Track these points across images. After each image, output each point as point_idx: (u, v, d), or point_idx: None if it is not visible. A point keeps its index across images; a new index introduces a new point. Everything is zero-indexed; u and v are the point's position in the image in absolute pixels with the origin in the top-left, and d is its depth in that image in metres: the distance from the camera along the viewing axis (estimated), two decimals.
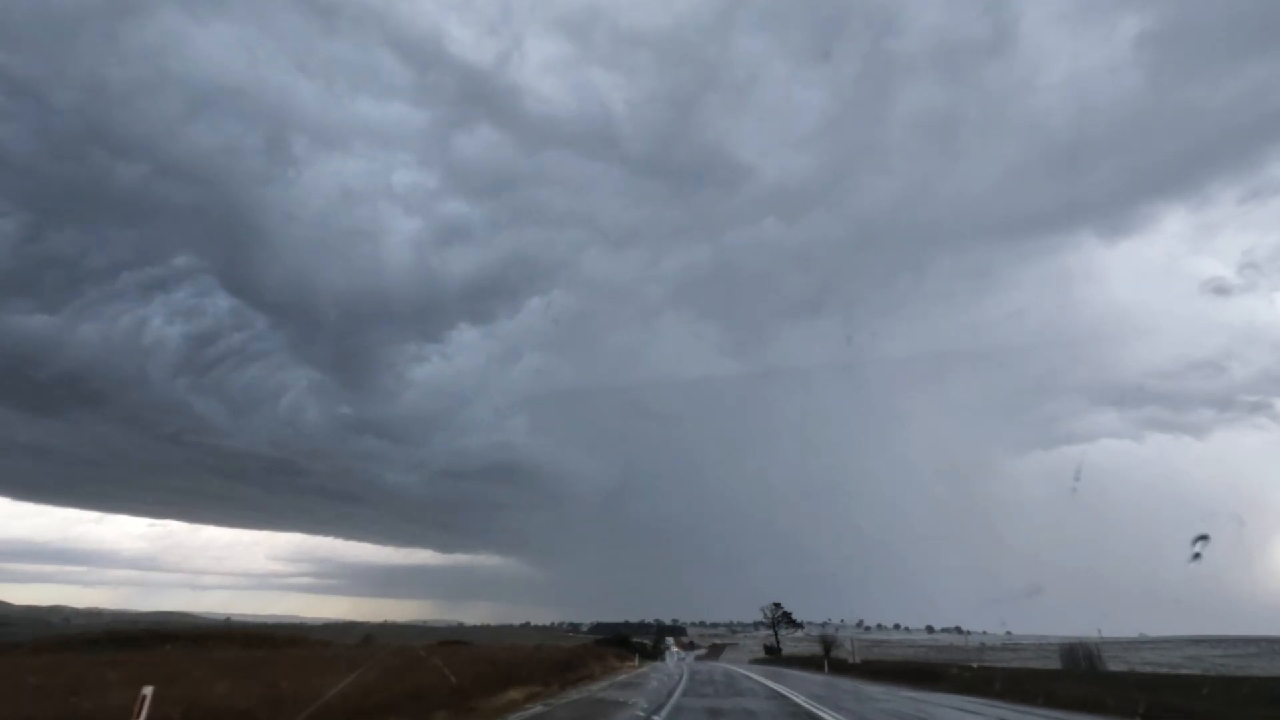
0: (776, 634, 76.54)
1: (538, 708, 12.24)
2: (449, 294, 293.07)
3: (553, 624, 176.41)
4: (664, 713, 12.20)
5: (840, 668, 35.58)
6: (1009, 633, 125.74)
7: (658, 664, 48.58)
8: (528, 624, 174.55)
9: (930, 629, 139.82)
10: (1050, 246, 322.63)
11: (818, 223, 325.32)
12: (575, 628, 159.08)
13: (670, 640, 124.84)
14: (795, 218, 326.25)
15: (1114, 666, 25.61)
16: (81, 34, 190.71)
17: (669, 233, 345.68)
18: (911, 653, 58.58)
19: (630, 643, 77.17)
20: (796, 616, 79.66)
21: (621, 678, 24.79)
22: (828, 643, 50.73)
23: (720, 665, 46.87)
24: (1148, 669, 32.85)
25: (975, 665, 29.01)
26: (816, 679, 26.22)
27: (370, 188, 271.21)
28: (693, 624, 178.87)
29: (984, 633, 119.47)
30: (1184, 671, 31.51)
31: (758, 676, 27.12)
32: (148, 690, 6.11)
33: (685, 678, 24.82)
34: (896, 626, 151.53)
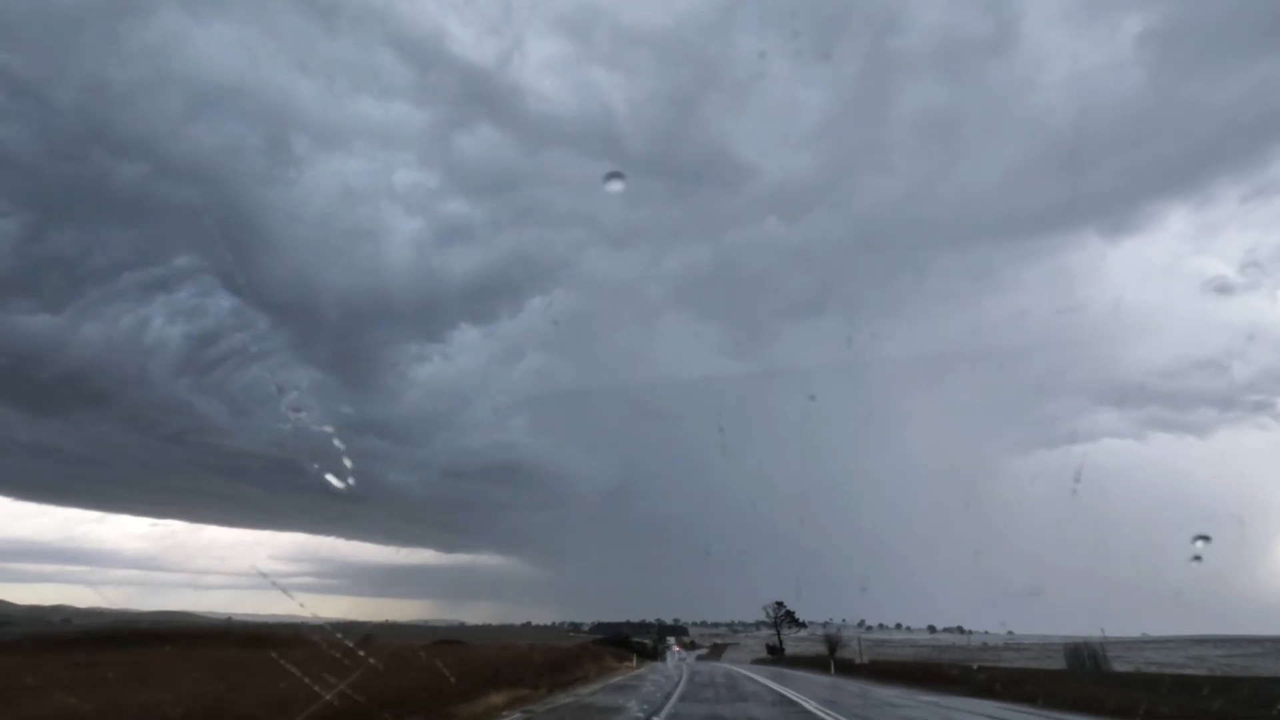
0: (779, 633, 75.99)
1: (517, 715, 11.59)
2: (450, 294, 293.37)
3: (554, 624, 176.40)
4: None
5: (847, 668, 34.45)
6: (1011, 632, 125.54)
7: (657, 664, 47.61)
8: (529, 624, 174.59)
9: (932, 629, 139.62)
10: (1052, 246, 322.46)
11: (819, 222, 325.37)
12: (576, 627, 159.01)
13: (671, 640, 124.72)
14: (796, 217, 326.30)
15: (1119, 667, 25.42)
16: (82, 34, 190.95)
17: (670, 232, 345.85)
18: (914, 652, 58.37)
19: (630, 642, 76.73)
20: (798, 616, 78.45)
21: (616, 680, 23.57)
22: (833, 642, 49.63)
23: (722, 666, 46.20)
24: (1152, 669, 32.62)
25: (990, 666, 28.14)
26: (823, 681, 25.15)
27: (371, 187, 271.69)
28: (694, 624, 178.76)
29: (986, 632, 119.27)
30: (1189, 671, 31.27)
31: (761, 678, 25.73)
32: None
33: (684, 680, 23.48)
34: (898, 626, 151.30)
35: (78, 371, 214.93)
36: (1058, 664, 29.85)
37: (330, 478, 6.38)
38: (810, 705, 13.91)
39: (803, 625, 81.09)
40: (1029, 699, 15.35)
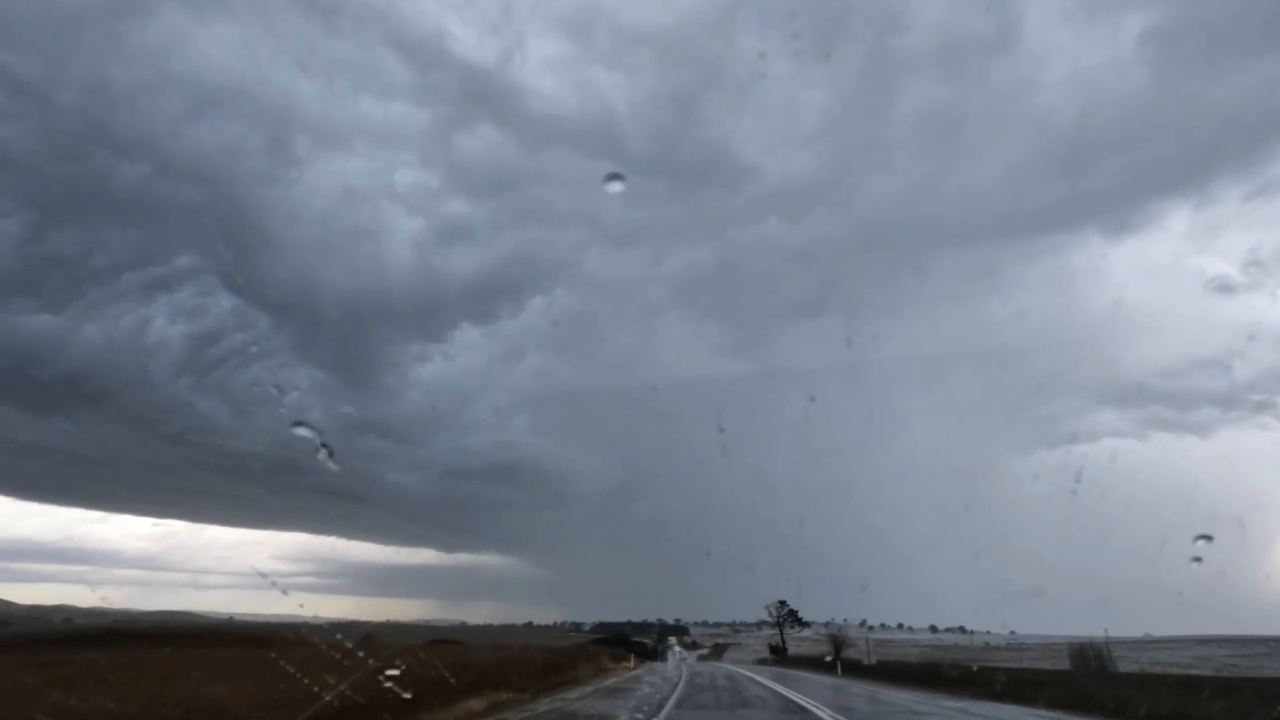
0: (782, 633, 75.31)
1: None
2: (451, 294, 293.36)
3: (555, 623, 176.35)
4: None
5: (854, 669, 33.08)
6: (1013, 632, 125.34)
7: (656, 665, 46.97)
8: (530, 624, 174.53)
9: (934, 628, 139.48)
10: (1054, 245, 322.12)
11: (820, 222, 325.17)
12: (578, 627, 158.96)
13: (673, 640, 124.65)
14: (797, 217, 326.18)
15: (1124, 667, 25.20)
16: (84, 34, 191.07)
17: (671, 232, 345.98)
18: (918, 653, 58.14)
19: (629, 642, 76.29)
20: (801, 615, 77.40)
21: (610, 681, 22.39)
22: (838, 642, 48.57)
23: (723, 666, 44.86)
24: (1158, 669, 32.40)
25: (1007, 668, 27.00)
26: (831, 683, 23.81)
27: (372, 187, 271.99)
28: (695, 623, 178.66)
29: (988, 632, 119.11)
30: (1196, 671, 31.04)
31: (765, 680, 24.20)
32: None
33: (683, 682, 22.07)
34: (900, 626, 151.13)
35: (79, 371, 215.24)
36: (1062, 664, 29.65)
37: (324, 457, 6.34)
38: (825, 714, 12.53)
39: (806, 625, 79.86)
40: (1060, 704, 14.34)
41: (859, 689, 20.43)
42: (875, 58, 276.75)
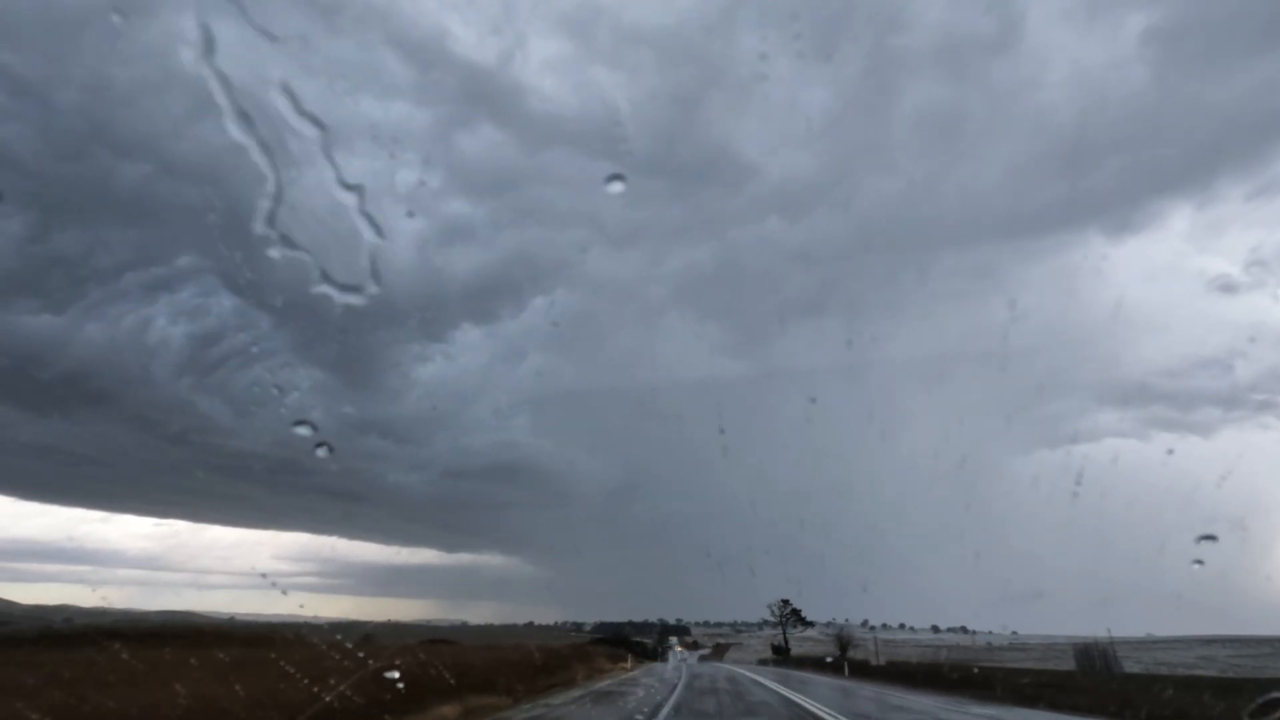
0: (785, 633, 74.69)
1: None
2: (452, 293, 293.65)
3: (556, 623, 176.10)
4: None
5: (862, 670, 31.56)
6: (1015, 633, 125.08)
7: (655, 665, 45.58)
8: (531, 623, 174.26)
9: (936, 628, 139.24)
10: (1056, 245, 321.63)
11: (821, 222, 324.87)
12: (579, 627, 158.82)
13: (674, 640, 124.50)
14: (798, 217, 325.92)
15: (1129, 668, 25.01)
16: (85, 34, 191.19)
17: (671, 232, 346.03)
18: (921, 652, 57.94)
19: (628, 642, 75.73)
20: (804, 615, 75.87)
21: (602, 684, 21.02)
22: (844, 642, 47.96)
23: (724, 667, 43.31)
24: (1163, 670, 32.20)
25: (1029, 669, 25.61)
26: (840, 685, 22.53)
27: (373, 187, 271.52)
28: (696, 623, 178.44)
29: (990, 632, 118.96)
30: (1200, 672, 30.83)
31: (770, 682, 22.72)
32: None
33: (681, 685, 20.70)
34: (901, 626, 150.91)
35: (80, 372, 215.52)
36: (1066, 664, 29.46)
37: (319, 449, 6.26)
38: None
39: (810, 624, 78.78)
40: (1095, 710, 13.35)
41: (872, 692, 19.32)
42: (876, 57, 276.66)
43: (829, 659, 48.79)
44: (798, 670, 38.21)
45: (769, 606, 74.52)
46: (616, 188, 8.80)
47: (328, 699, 8.09)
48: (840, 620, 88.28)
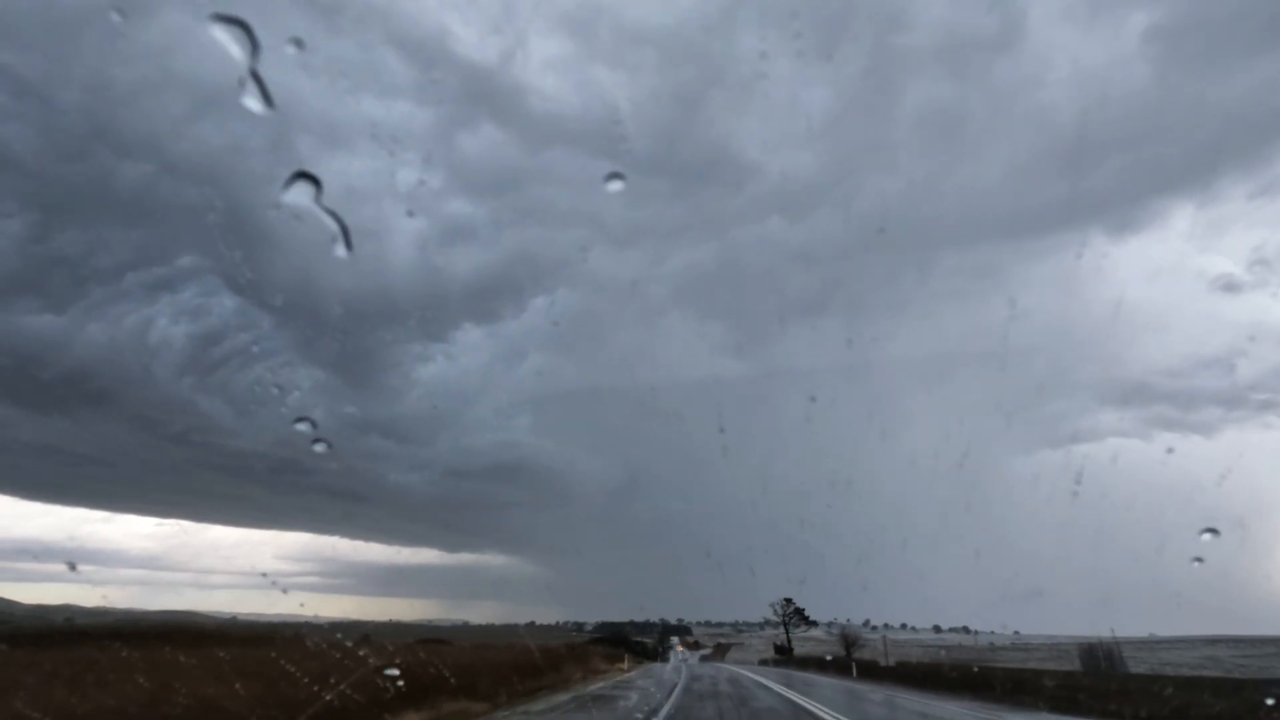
0: (788, 633, 73.30)
1: None
2: (453, 293, 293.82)
3: (558, 623, 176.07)
4: None
5: (870, 672, 29.89)
6: (1016, 633, 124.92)
7: (653, 666, 44.67)
8: (533, 623, 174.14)
9: (938, 628, 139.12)
10: (1058, 244, 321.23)
11: (822, 221, 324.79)
12: (580, 627, 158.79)
13: (675, 640, 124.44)
14: (799, 216, 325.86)
15: (1134, 668, 24.91)
16: (85, 34, 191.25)
17: (673, 232, 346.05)
18: (924, 653, 57.88)
19: (627, 641, 75.14)
20: (808, 614, 74.18)
21: (595, 687, 19.67)
22: (850, 641, 46.67)
23: (726, 668, 42.18)
24: (1168, 670, 32.09)
25: (1055, 671, 23.69)
26: (851, 688, 21.18)
27: (373, 187, 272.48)
28: (698, 623, 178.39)
29: (992, 632, 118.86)
30: (1207, 673, 30.69)
31: (775, 685, 21.24)
32: None
33: (679, 688, 19.29)
34: (903, 626, 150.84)
35: (82, 371, 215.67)
36: (1071, 665, 29.37)
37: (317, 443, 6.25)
38: None
39: (813, 624, 77.02)
40: (1147, 717, 12.17)
41: (887, 696, 17.96)
42: (877, 56, 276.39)
43: (829, 656, 47.65)
44: (802, 671, 36.87)
45: (772, 605, 72.58)
46: (616, 186, 8.74)
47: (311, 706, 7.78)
48: (842, 620, 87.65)
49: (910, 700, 16.78)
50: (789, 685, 21.31)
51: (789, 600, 71.96)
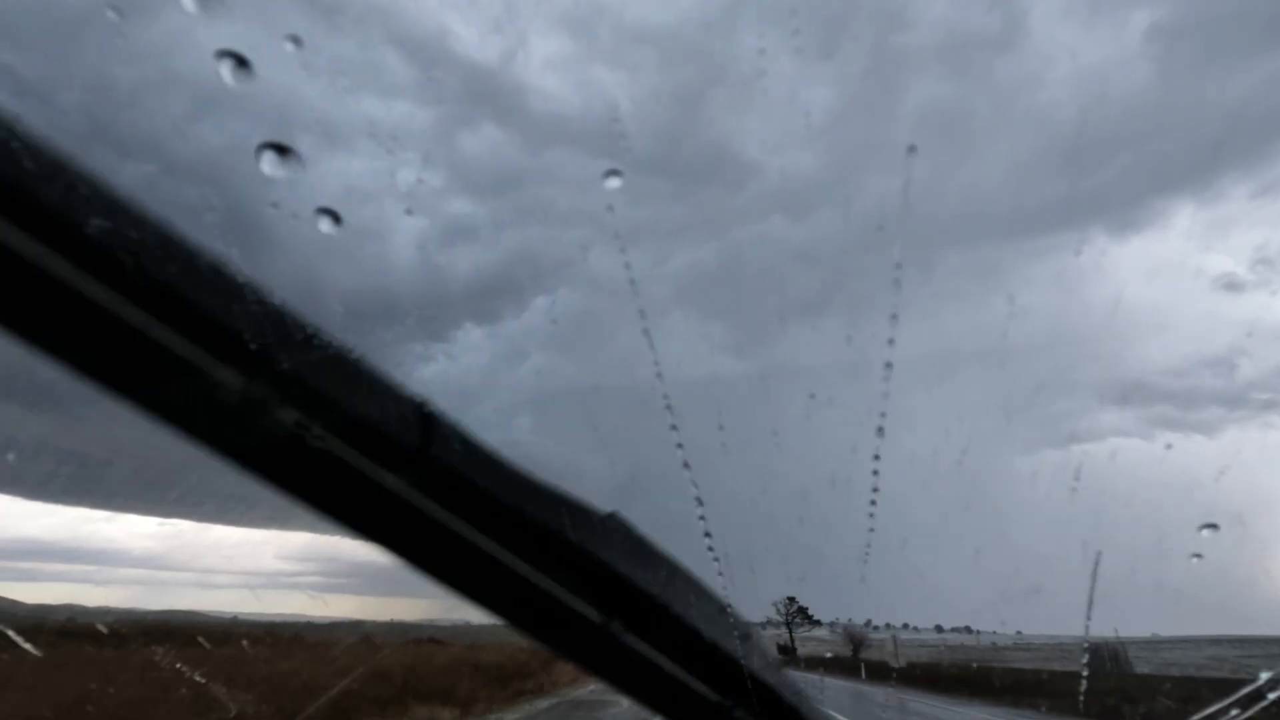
0: (791, 633, 71.79)
1: None
2: (454, 293, 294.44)
3: None
4: None
5: (881, 673, 28.82)
6: (1019, 632, 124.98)
7: None
8: None
9: (939, 628, 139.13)
10: (1059, 243, 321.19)
11: (823, 220, 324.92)
12: None
13: None
14: (801, 215, 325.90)
15: (1140, 668, 24.84)
16: (86, 33, 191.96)
17: (674, 231, 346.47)
18: (928, 653, 57.97)
19: None
20: (811, 613, 72.37)
21: (583, 691, 18.71)
22: (857, 642, 45.27)
23: None
24: (1175, 670, 32.05)
25: (1084, 674, 23.19)
26: (865, 693, 20.09)
27: (374, 187, 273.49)
28: None
29: (994, 632, 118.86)
30: (1212, 673, 30.68)
31: None
32: None
33: None
34: (904, 625, 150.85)
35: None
36: (1075, 665, 29.35)
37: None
38: None
39: (818, 623, 74.91)
40: None
41: (908, 701, 16.74)
42: (878, 55, 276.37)
43: (829, 655, 46.69)
44: (807, 673, 35.25)
45: (774, 604, 70.49)
46: (614, 183, 8.68)
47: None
48: (842, 620, 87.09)
49: (935, 706, 15.25)
50: None
51: (792, 599, 70.60)
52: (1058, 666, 32.25)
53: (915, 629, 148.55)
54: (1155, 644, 65.09)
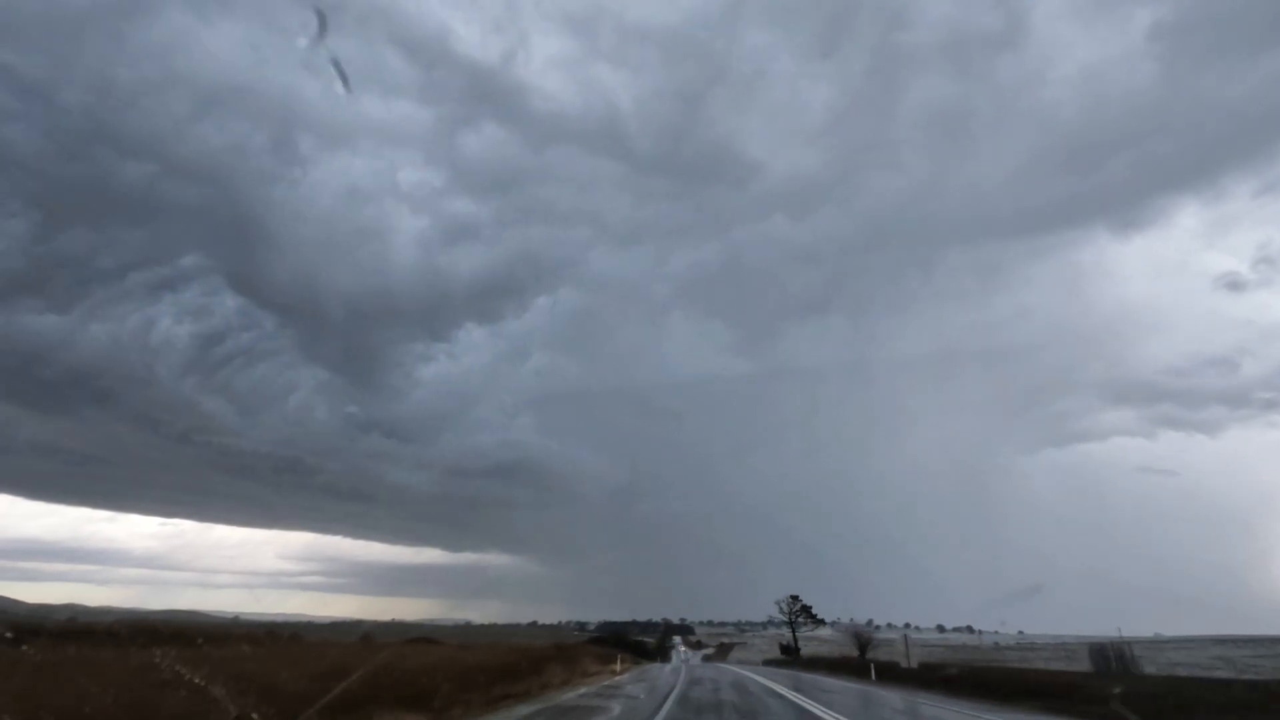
0: (795, 632, 69.10)
1: None
2: (456, 293, 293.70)
3: (560, 622, 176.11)
4: None
5: (891, 675, 26.50)
6: (1021, 632, 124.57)
7: (649, 667, 42.38)
8: (535, 623, 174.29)
9: (941, 628, 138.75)
10: (1062, 242, 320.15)
11: (826, 220, 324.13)
12: (583, 626, 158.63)
13: (678, 639, 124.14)
14: (803, 215, 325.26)
15: (1145, 669, 24.45)
16: (88, 33, 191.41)
17: (676, 230, 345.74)
18: (931, 653, 57.41)
19: (626, 641, 73.79)
20: (815, 612, 68.38)
21: (573, 694, 16.62)
22: (864, 641, 44.01)
23: (730, 670, 38.13)
24: (1181, 671, 31.61)
25: (1129, 677, 20.43)
26: (878, 696, 18.01)
27: (377, 186, 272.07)
28: (700, 623, 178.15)
29: (996, 632, 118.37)
30: (1219, 674, 30.24)
31: (787, 691, 17.97)
32: None
33: (674, 697, 16.17)
34: (906, 625, 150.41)
35: (85, 371, 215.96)
36: (1079, 665, 29.04)
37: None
38: None
39: (823, 623, 72.42)
40: None
41: (934, 708, 14.84)
42: (881, 54, 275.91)
43: (823, 654, 45.96)
44: (812, 673, 32.94)
45: (777, 603, 68.61)
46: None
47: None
48: (845, 620, 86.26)
49: (962, 712, 14.11)
50: (802, 692, 18.20)
51: (795, 598, 67.72)
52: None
53: (917, 629, 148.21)
54: (1160, 644, 64.49)
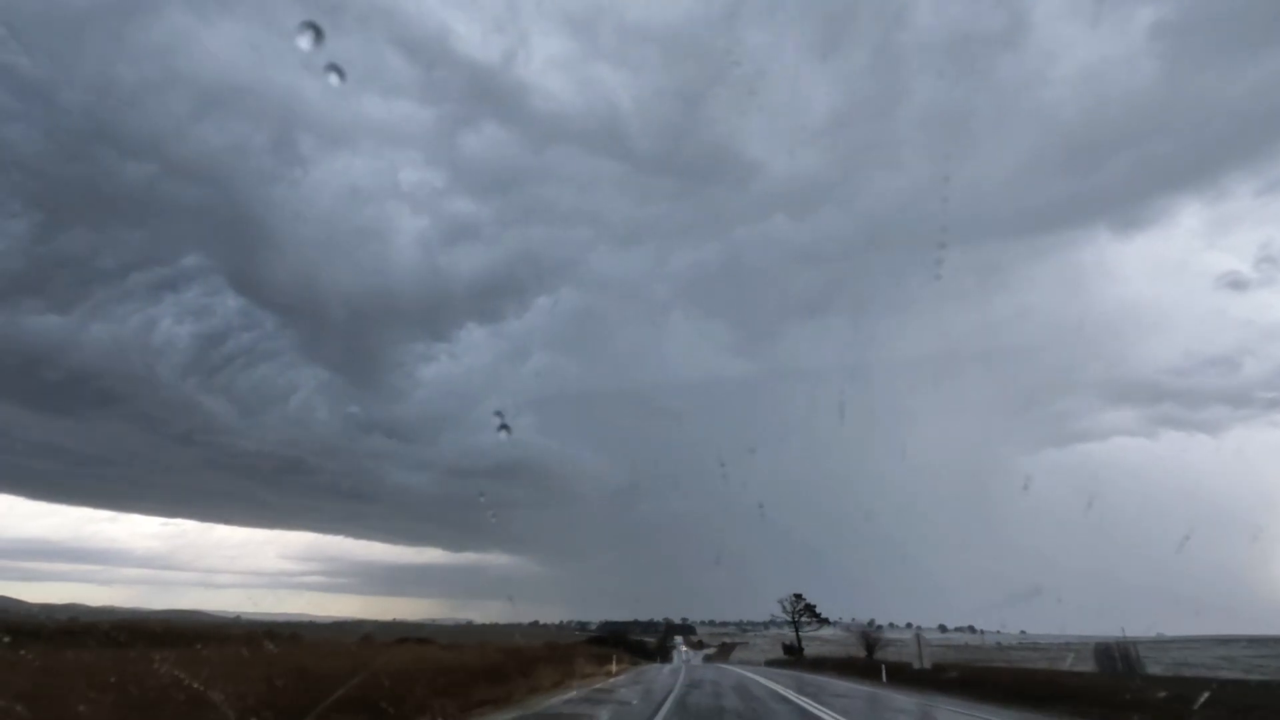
0: (798, 632, 68.38)
1: None
2: (456, 293, 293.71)
3: (561, 622, 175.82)
4: None
5: (902, 676, 25.13)
6: (1023, 632, 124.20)
7: (648, 668, 41.63)
8: (536, 622, 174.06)
9: (943, 628, 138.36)
10: (1063, 242, 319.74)
11: (827, 220, 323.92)
12: (584, 626, 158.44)
13: (679, 639, 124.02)
14: (804, 215, 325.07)
15: (1150, 669, 24.29)
16: (88, 33, 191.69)
17: (677, 230, 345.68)
18: (933, 653, 57.33)
19: (625, 641, 73.40)
20: (819, 611, 68.03)
21: (558, 700, 15.34)
22: (871, 642, 43.37)
23: (731, 670, 37.04)
24: (1185, 671, 31.44)
25: (1164, 679, 19.51)
26: (890, 700, 16.88)
27: (377, 186, 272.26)
28: (702, 623, 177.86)
29: (997, 631, 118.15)
30: (1224, 674, 30.06)
31: (795, 696, 16.64)
32: None
33: (671, 702, 14.96)
34: (908, 625, 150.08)
35: (87, 371, 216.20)
36: (1084, 665, 28.87)
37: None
38: None
39: (827, 622, 71.05)
40: None
41: (963, 715, 13.60)
42: (882, 53, 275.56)
43: (837, 655, 45.28)
44: (817, 675, 31.78)
45: (780, 603, 67.66)
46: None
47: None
48: (846, 619, 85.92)
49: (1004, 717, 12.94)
50: (807, 695, 17.10)
51: (799, 596, 66.68)
52: (1042, 664, 30.62)
53: (919, 628, 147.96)
54: (1163, 644, 64.25)
